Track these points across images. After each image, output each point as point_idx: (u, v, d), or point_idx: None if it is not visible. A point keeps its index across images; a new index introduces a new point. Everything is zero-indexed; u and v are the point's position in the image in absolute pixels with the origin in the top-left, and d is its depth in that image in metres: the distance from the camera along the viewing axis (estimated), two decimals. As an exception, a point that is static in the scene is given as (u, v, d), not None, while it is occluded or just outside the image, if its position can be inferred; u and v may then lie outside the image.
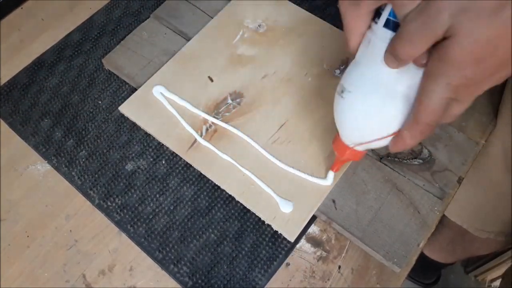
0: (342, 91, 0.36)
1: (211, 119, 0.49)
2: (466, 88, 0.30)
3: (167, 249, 0.44)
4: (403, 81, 0.33)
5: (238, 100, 0.50)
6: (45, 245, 0.45)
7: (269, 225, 0.44)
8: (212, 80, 0.52)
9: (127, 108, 0.50)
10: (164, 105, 0.50)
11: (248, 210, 0.45)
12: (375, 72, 0.33)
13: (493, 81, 0.30)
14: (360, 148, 0.39)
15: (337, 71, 0.52)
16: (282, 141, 0.48)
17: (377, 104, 0.34)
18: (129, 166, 0.48)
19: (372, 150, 0.48)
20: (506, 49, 0.27)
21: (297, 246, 0.45)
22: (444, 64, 0.29)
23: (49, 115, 0.51)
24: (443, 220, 0.76)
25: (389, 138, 0.36)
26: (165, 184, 0.47)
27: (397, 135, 0.35)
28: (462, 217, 0.74)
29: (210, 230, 0.45)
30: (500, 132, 0.54)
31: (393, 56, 0.31)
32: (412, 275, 1.12)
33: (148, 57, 0.54)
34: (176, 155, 0.48)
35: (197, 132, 0.48)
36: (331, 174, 0.45)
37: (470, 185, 0.64)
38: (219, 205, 0.46)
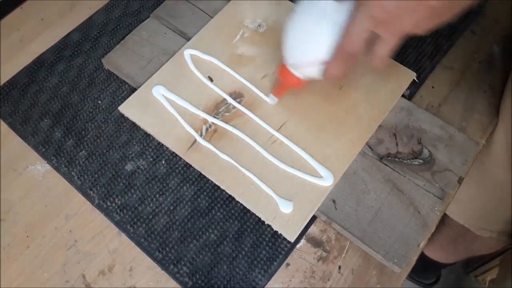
0: (292, 12, 0.41)
1: (211, 119, 0.49)
2: (387, 24, 0.35)
3: (167, 249, 0.44)
4: (341, 14, 0.38)
5: (238, 100, 0.50)
6: (45, 245, 0.45)
7: (269, 225, 0.44)
8: (212, 80, 0.52)
9: (126, 108, 0.50)
10: (164, 105, 0.50)
11: (248, 210, 0.45)
12: (322, 0, 0.39)
13: (413, 22, 0.34)
14: (297, 74, 0.44)
15: (337, 71, 0.52)
16: (282, 141, 0.48)
17: (314, 26, 0.39)
18: (129, 166, 0.48)
19: (372, 150, 0.47)
20: None
21: (297, 246, 0.45)
22: None
23: (49, 115, 0.51)
24: (444, 220, 0.76)
25: (320, 67, 0.41)
26: (165, 184, 0.47)
27: (326, 64, 0.40)
28: (464, 216, 0.74)
29: (210, 230, 0.45)
30: (502, 131, 0.54)
31: None
32: (412, 275, 1.11)
33: (148, 57, 0.54)
34: (176, 155, 0.48)
35: (197, 132, 0.48)
36: (330, 174, 0.45)
37: (473, 183, 0.63)
38: (219, 205, 0.46)
